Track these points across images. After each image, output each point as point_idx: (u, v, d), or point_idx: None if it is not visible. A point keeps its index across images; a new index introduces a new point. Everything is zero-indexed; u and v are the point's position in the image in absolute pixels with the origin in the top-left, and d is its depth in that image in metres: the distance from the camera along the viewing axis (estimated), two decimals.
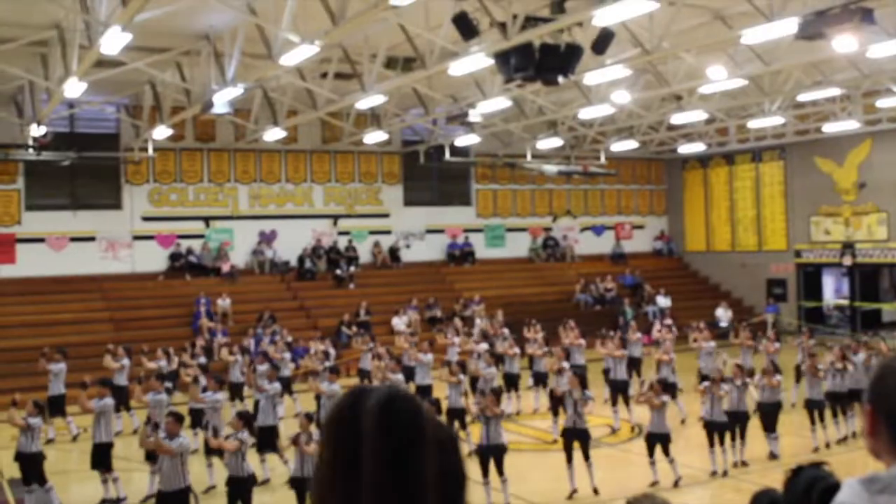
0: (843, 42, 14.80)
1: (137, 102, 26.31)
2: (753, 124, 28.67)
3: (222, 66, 18.72)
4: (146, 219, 28.86)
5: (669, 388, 17.32)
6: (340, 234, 31.74)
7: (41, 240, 27.34)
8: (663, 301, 32.51)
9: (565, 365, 17.82)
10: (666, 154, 36.86)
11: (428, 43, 17.49)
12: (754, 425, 15.98)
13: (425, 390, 18.71)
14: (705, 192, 37.32)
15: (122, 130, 28.24)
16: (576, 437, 14.27)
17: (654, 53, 17.21)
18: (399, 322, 28.22)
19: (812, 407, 16.86)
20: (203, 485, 14.27)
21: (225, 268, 29.24)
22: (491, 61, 16.61)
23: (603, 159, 34.45)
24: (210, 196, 29.91)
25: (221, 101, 19.86)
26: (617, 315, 31.33)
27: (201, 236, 29.73)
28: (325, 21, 14.49)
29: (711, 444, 15.08)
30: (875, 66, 21.31)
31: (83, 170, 27.40)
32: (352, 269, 30.91)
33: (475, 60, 16.66)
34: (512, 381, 20.59)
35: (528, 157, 33.16)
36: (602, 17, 14.16)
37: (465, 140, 30.12)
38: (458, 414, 16.41)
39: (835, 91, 23.86)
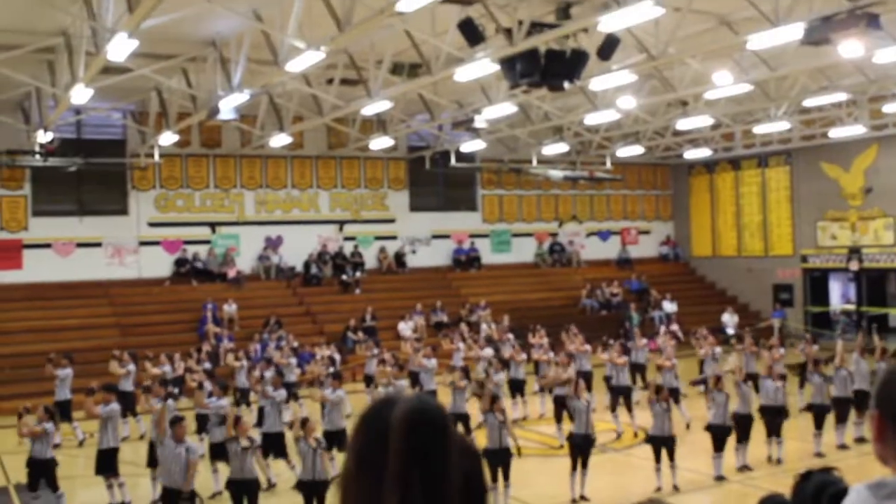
0: (850, 47, 14.80)
1: (144, 108, 26.39)
2: (759, 129, 28.64)
3: (228, 72, 18.76)
4: (152, 224, 28.91)
5: (672, 394, 17.29)
6: (346, 239, 31.75)
7: (48, 245, 27.40)
8: (669, 306, 32.47)
9: (571, 372, 17.82)
10: (672, 159, 36.83)
11: (434, 49, 17.52)
12: (760, 429, 15.95)
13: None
14: (711, 197, 37.28)
15: (128, 136, 28.30)
16: (582, 444, 14.26)
17: (659, 59, 17.21)
18: (405, 327, 28.21)
19: (817, 411, 16.84)
20: (208, 490, 14.28)
21: (231, 273, 29.27)
22: (497, 67, 16.63)
23: (609, 164, 34.46)
24: (216, 202, 29.95)
25: (227, 107, 19.88)
26: (623, 320, 31.32)
27: (207, 242, 29.77)
28: (330, 27, 14.52)
29: (716, 449, 15.07)
30: (881, 72, 21.30)
31: (89, 176, 27.49)
32: (357, 274, 30.92)
33: (481, 66, 16.67)
34: (517, 387, 20.59)
35: (534, 163, 33.17)
36: (607, 23, 14.18)
37: (470, 146, 30.13)
38: (461, 419, 16.43)
39: (841, 96, 23.85)
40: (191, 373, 20.05)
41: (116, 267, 28.32)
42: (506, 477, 13.41)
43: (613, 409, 19.06)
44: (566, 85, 16.26)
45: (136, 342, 23.83)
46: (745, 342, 21.65)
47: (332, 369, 19.99)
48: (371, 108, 21.82)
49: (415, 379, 20.85)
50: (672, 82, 21.25)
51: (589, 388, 14.48)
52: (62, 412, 18.33)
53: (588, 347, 21.69)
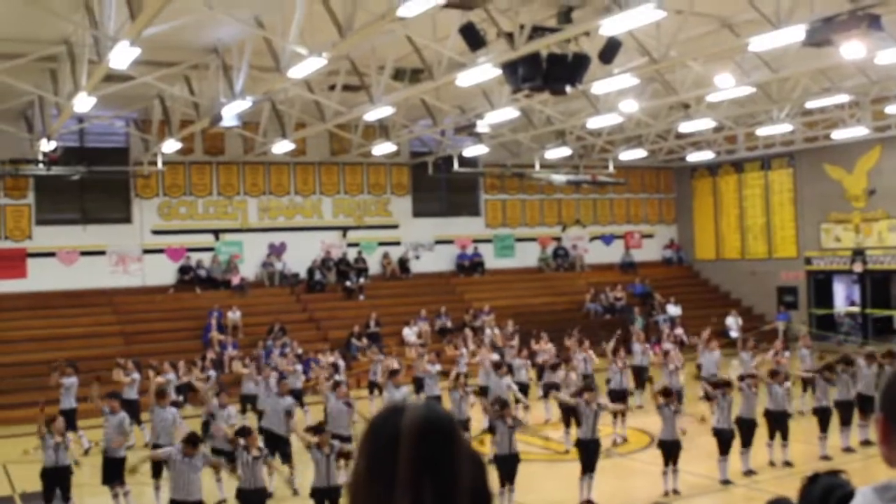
0: (851, 48, 14.79)
1: (146, 116, 26.41)
2: (762, 132, 28.63)
3: (231, 79, 18.78)
4: (156, 232, 28.93)
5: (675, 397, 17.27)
6: (350, 245, 31.76)
7: (52, 254, 27.43)
8: (673, 310, 32.44)
9: (572, 376, 17.85)
10: (675, 162, 36.82)
11: (435, 54, 17.53)
12: (763, 433, 15.92)
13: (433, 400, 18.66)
14: (714, 200, 37.27)
15: (131, 144, 28.32)
16: (590, 448, 14.27)
17: (661, 62, 17.21)
18: (410, 333, 28.21)
19: (821, 414, 16.81)
20: (214, 497, 14.26)
21: (235, 280, 29.29)
22: (499, 72, 16.63)
23: (611, 168, 34.44)
24: (219, 209, 29.97)
25: (230, 114, 19.90)
26: (627, 324, 31.27)
27: (211, 249, 29.79)
28: (332, 33, 14.53)
29: (722, 453, 15.04)
30: (883, 73, 21.30)
31: (93, 184, 27.52)
32: (361, 280, 30.92)
33: (483, 71, 16.67)
34: (521, 392, 20.55)
35: (537, 167, 33.16)
36: (609, 27, 14.17)
37: (473, 150, 30.14)
38: (462, 424, 16.41)
39: (843, 98, 23.81)
40: (197, 381, 20.14)
41: (120, 275, 28.35)
42: (511, 481, 13.44)
43: (615, 414, 19.03)
44: (568, 89, 16.26)
45: (140, 350, 23.85)
46: (748, 346, 21.62)
47: (337, 377, 19.98)
48: (373, 114, 21.83)
49: (419, 385, 20.85)
50: (674, 85, 21.25)
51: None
52: (68, 421, 18.34)
53: (592, 353, 21.71)
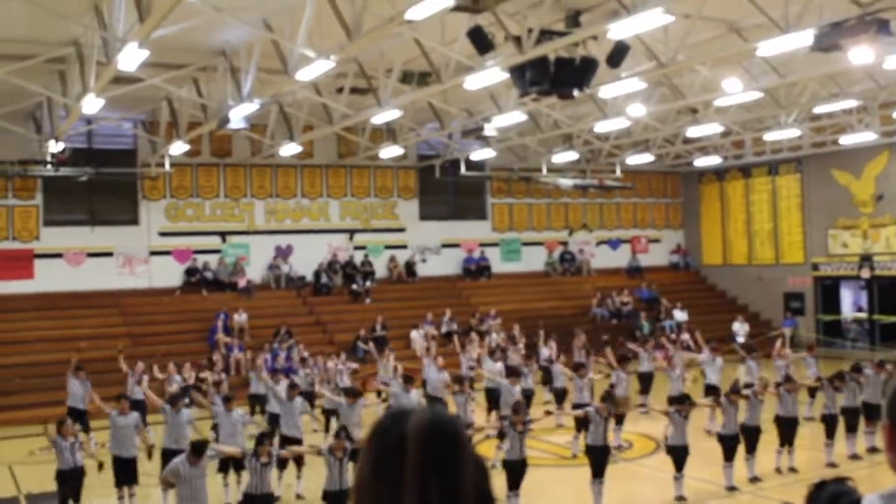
0: (860, 54, 14.77)
1: (154, 118, 26.48)
2: (770, 137, 28.59)
3: (238, 81, 18.81)
4: (163, 234, 28.98)
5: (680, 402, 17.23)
6: (356, 248, 31.78)
7: (59, 255, 27.49)
8: (680, 315, 32.39)
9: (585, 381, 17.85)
10: (682, 167, 36.78)
11: (443, 57, 17.53)
12: (767, 440, 15.88)
13: (436, 401, 18.66)
14: (722, 205, 37.21)
15: (139, 146, 28.39)
16: (600, 454, 14.27)
17: (669, 66, 17.19)
18: (417, 336, 28.20)
19: (829, 421, 16.76)
20: (220, 502, 14.27)
21: (241, 283, 29.31)
22: (506, 75, 16.63)
23: (619, 173, 34.41)
24: (226, 211, 30.01)
25: (237, 116, 19.93)
26: (633, 329, 31.25)
27: (218, 251, 29.82)
28: (340, 36, 14.55)
29: (727, 459, 15.01)
30: (892, 78, 21.22)
31: (100, 185, 27.58)
32: (368, 283, 30.92)
33: (490, 74, 16.67)
34: (525, 397, 20.50)
35: (544, 171, 33.16)
36: (617, 31, 14.17)
37: (480, 154, 30.15)
38: (466, 428, 16.41)
39: (851, 103, 23.80)
40: (202, 382, 20.13)
41: (127, 276, 28.40)
42: (516, 487, 13.47)
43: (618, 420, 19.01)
44: (576, 93, 16.27)
45: (147, 351, 23.82)
46: (754, 353, 21.56)
47: (342, 383, 19.97)
48: (381, 117, 21.85)
49: (426, 388, 20.83)
50: (682, 90, 21.24)
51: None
52: (81, 423, 18.37)
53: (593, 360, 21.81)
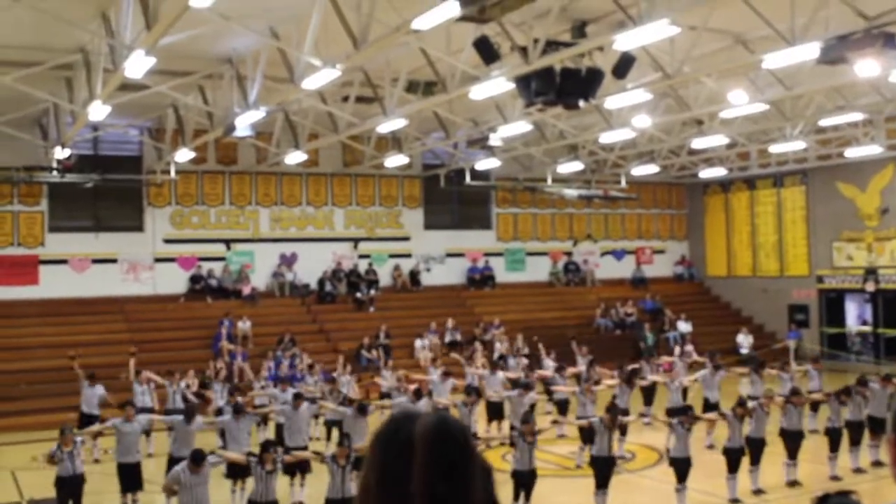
0: (866, 67, 14.77)
1: (160, 125, 26.52)
2: (775, 149, 28.56)
3: (244, 89, 18.85)
4: (168, 241, 29.00)
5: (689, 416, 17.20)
6: (361, 257, 31.78)
7: (64, 261, 27.52)
8: (684, 326, 32.34)
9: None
10: (687, 178, 36.75)
11: (449, 67, 17.55)
12: (771, 451, 15.83)
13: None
14: (726, 216, 37.18)
15: (144, 153, 28.44)
16: (605, 465, 14.26)
17: (675, 78, 17.20)
18: (422, 345, 28.18)
19: (833, 435, 16.70)
20: None
21: (245, 290, 29.32)
22: (512, 85, 16.66)
23: (624, 183, 34.39)
24: (231, 219, 30.04)
25: (243, 124, 19.98)
26: (637, 340, 31.21)
27: (222, 259, 29.84)
28: (346, 45, 14.57)
29: (731, 471, 14.97)
30: None
31: (106, 192, 27.60)
32: (372, 292, 30.91)
33: (496, 84, 16.68)
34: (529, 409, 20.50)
35: (549, 181, 33.14)
36: (623, 42, 14.19)
37: (485, 164, 30.16)
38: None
39: (857, 116, 23.77)
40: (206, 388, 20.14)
41: (131, 283, 28.40)
42: (528, 497, 13.62)
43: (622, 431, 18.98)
44: (581, 103, 16.27)
45: (151, 358, 23.84)
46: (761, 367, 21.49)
47: (344, 392, 19.91)
48: (386, 126, 21.88)
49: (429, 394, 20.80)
50: (687, 101, 21.24)
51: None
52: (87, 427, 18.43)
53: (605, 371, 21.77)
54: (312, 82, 16.31)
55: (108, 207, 28.39)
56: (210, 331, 27.16)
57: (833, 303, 33.35)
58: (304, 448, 15.66)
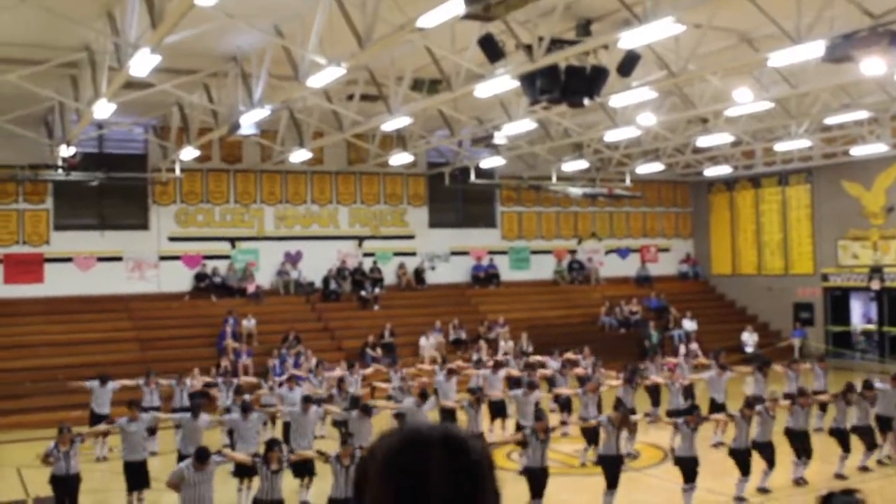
0: (871, 65, 14.74)
1: (165, 123, 26.54)
2: (780, 147, 28.52)
3: (249, 87, 18.85)
4: (173, 239, 29.03)
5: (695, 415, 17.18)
6: (365, 255, 31.79)
7: (69, 259, 27.55)
8: (689, 324, 32.31)
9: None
10: (692, 177, 36.73)
11: (454, 65, 17.55)
12: (776, 451, 15.80)
13: (448, 414, 18.63)
14: (731, 215, 37.14)
15: (149, 151, 28.46)
16: (613, 464, 14.26)
17: (679, 76, 17.19)
18: (426, 344, 28.18)
19: (839, 435, 16.66)
20: None
21: (250, 288, 29.34)
22: (517, 83, 16.64)
23: (628, 182, 34.38)
24: (236, 217, 30.06)
25: (248, 122, 19.99)
26: (642, 339, 31.19)
27: (227, 257, 29.86)
28: (351, 43, 14.57)
29: (744, 473, 14.92)
30: None
31: (111, 190, 27.64)
32: (376, 290, 30.92)
33: (501, 83, 16.69)
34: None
35: (554, 180, 33.14)
36: (628, 40, 14.17)
37: (490, 162, 30.16)
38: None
39: (862, 114, 23.72)
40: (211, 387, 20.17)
41: (136, 281, 28.44)
42: (540, 496, 13.63)
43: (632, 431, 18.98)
44: (586, 101, 16.26)
45: (155, 356, 23.92)
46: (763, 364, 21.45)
47: (352, 391, 19.90)
48: (391, 124, 21.88)
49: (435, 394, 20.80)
50: (692, 99, 21.22)
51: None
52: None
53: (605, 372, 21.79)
54: (317, 80, 16.31)
55: (113, 205, 28.42)
56: (215, 329, 27.20)
57: (838, 301, 33.31)
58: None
